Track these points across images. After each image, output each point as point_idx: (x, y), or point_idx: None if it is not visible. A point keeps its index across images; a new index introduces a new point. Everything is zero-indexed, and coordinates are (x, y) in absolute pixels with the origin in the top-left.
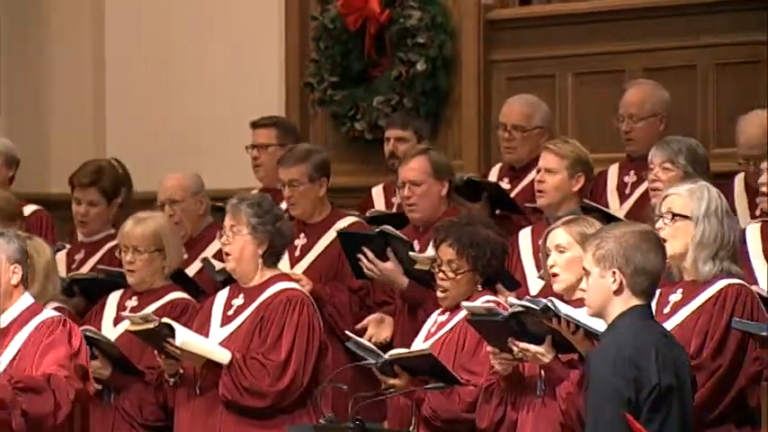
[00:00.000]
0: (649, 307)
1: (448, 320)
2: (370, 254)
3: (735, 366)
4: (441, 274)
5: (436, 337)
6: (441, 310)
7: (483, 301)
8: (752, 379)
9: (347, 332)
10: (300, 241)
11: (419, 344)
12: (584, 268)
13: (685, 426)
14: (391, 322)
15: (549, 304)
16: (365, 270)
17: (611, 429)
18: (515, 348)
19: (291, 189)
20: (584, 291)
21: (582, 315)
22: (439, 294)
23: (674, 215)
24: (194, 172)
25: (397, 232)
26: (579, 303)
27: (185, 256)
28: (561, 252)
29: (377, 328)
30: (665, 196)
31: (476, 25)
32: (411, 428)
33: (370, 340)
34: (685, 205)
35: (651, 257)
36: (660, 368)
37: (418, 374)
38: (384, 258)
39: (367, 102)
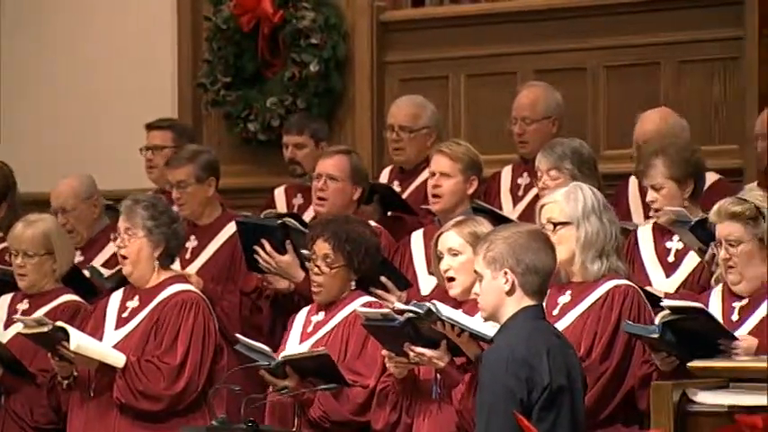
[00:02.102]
0: (542, 307)
1: (326, 321)
2: (268, 246)
3: (622, 368)
4: (315, 269)
5: (315, 337)
6: (309, 308)
7: (362, 303)
8: (642, 381)
9: (237, 335)
10: (191, 243)
11: (294, 344)
12: (475, 271)
13: (576, 426)
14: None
15: (432, 307)
16: (261, 262)
17: (504, 429)
18: (411, 353)
19: (179, 190)
20: (478, 294)
21: (465, 317)
22: (313, 290)
23: (555, 224)
24: (86, 174)
25: (299, 225)
26: (475, 304)
27: (81, 258)
28: (455, 255)
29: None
30: (542, 207)
31: (369, 27)
32: (294, 429)
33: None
34: (563, 211)
35: (542, 256)
36: (552, 368)
37: (307, 375)
38: (282, 252)
39: (260, 103)
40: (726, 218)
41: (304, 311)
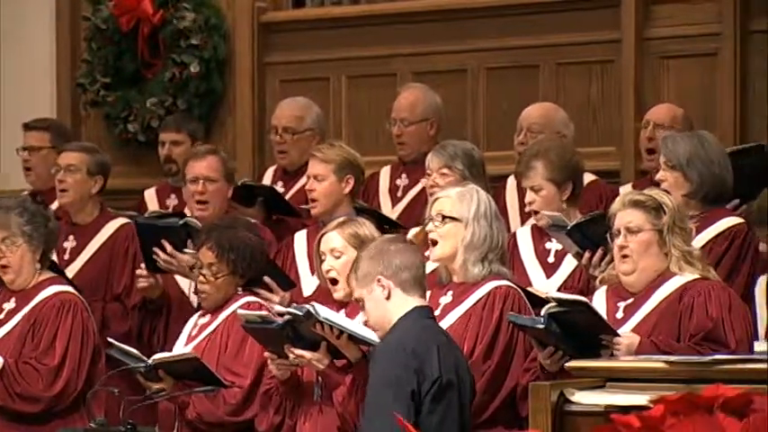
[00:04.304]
0: (430, 308)
1: (209, 323)
2: (169, 246)
3: (503, 367)
4: (201, 278)
5: (198, 339)
6: (201, 312)
7: (244, 303)
8: (524, 391)
9: (109, 339)
10: (70, 243)
11: (180, 347)
12: (356, 300)
13: (463, 426)
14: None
15: (311, 309)
16: (161, 262)
17: (389, 417)
18: (291, 355)
19: (66, 173)
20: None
21: (345, 319)
22: (200, 297)
23: (444, 217)
24: None
25: (200, 225)
26: (357, 306)
27: None
28: (337, 257)
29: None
30: (435, 199)
31: (250, 27)
32: None
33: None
34: (455, 208)
35: (405, 254)
36: (442, 363)
37: (182, 378)
38: (183, 251)
39: (140, 103)
40: (629, 206)
41: (196, 315)
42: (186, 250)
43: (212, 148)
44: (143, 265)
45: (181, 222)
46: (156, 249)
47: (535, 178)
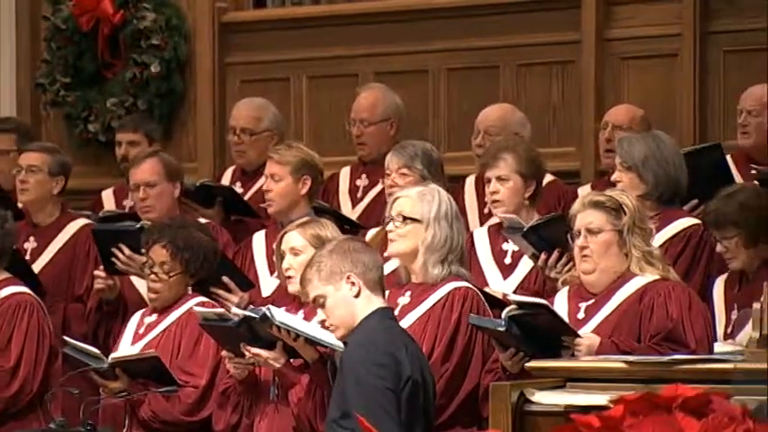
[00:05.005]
0: (392, 309)
1: (158, 322)
2: (126, 250)
3: (462, 369)
4: (152, 276)
5: (147, 339)
6: (145, 310)
7: (198, 302)
8: (486, 392)
9: (64, 337)
10: (30, 245)
11: (126, 346)
12: (315, 300)
13: (428, 425)
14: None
15: (267, 312)
16: (120, 265)
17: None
18: (248, 354)
19: (28, 174)
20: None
21: (301, 322)
22: (150, 296)
23: (405, 218)
24: None
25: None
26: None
27: None
28: (296, 255)
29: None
30: (395, 199)
31: (210, 28)
32: (124, 431)
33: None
34: (415, 208)
35: (369, 253)
36: (411, 362)
37: (137, 377)
38: (140, 253)
39: (100, 103)
40: (589, 206)
41: (138, 313)
42: (144, 250)
43: (151, 151)
44: (102, 267)
45: (137, 226)
46: (114, 251)
47: (504, 169)
